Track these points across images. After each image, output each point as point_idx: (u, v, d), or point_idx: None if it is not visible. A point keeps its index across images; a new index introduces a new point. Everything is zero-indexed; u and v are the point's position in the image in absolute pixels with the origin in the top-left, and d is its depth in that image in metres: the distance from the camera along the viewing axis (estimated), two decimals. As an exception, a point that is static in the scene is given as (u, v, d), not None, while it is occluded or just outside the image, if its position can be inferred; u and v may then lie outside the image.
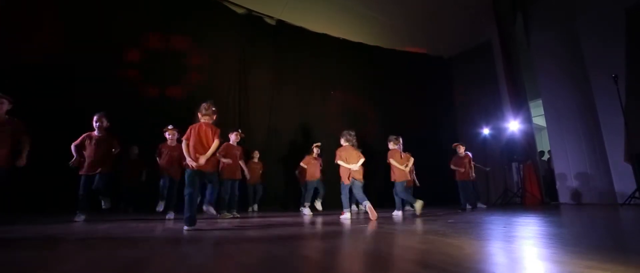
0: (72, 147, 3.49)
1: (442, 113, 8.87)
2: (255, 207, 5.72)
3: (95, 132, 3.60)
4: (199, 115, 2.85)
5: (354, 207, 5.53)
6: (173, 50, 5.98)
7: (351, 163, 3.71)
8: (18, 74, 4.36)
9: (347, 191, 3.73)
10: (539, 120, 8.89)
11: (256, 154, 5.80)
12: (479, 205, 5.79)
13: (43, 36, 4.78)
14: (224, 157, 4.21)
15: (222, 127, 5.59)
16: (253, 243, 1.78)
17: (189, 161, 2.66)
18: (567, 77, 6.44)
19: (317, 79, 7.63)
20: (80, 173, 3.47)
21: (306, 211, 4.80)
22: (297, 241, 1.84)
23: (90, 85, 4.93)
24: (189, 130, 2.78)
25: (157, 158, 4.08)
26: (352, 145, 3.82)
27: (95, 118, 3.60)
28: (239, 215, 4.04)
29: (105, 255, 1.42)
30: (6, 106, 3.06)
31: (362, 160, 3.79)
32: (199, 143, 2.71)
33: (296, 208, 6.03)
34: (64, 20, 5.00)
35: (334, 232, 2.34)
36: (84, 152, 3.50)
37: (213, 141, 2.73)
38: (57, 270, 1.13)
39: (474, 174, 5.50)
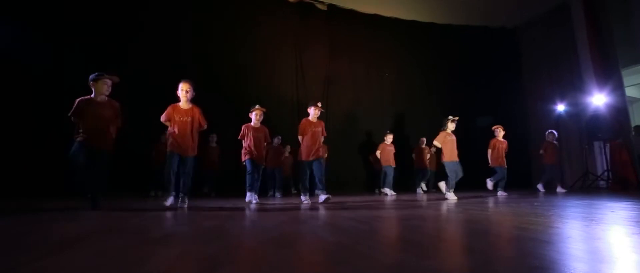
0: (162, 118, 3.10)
1: (507, 89, 8.14)
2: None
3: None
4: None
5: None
6: (227, 43, 6.31)
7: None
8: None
9: None
10: (631, 91, 7.66)
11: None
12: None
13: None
14: (300, 134, 3.72)
15: (280, 112, 5.95)
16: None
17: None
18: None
19: (372, 61, 7.56)
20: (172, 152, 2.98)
21: (420, 191, 4.79)
22: (432, 222, 1.96)
23: (155, 78, 5.14)
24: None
25: (242, 140, 3.79)
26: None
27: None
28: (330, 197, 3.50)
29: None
30: (110, 86, 2.82)
31: None
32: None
33: (367, 191, 6.17)
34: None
35: (451, 215, 2.42)
36: (176, 131, 3.02)
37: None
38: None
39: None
